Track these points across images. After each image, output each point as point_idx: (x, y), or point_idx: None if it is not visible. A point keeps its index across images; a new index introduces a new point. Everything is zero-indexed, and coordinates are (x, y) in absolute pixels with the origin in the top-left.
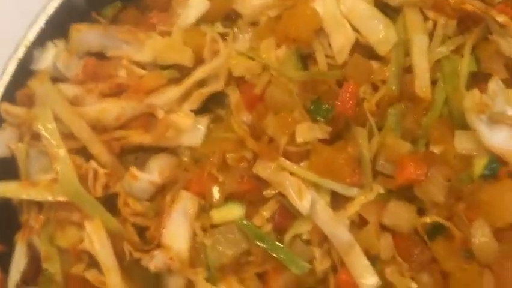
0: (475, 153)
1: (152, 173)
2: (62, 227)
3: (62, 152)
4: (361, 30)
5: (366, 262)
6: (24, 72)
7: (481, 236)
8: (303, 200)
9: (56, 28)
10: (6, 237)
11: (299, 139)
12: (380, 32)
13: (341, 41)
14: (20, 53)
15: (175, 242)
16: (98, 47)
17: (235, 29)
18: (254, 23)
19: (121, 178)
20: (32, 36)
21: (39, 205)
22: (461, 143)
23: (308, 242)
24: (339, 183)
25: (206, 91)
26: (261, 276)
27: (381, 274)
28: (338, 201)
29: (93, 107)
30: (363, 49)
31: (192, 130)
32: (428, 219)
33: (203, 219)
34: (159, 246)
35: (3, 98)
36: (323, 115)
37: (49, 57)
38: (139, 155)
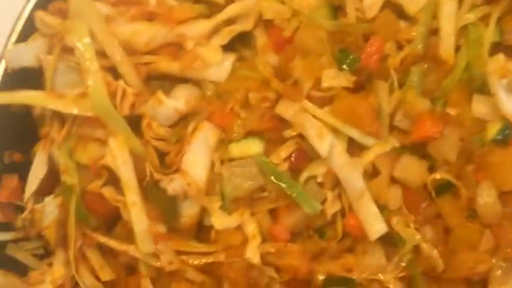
0: (489, 118)
1: (178, 100)
2: (84, 142)
3: (94, 67)
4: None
5: (375, 209)
6: None
7: (486, 197)
8: (323, 142)
9: None
10: (24, 148)
11: (324, 84)
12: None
13: None
14: None
15: (194, 169)
16: None
17: None
18: None
19: (147, 101)
20: None
21: (62, 119)
22: (478, 107)
23: (321, 185)
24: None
25: (235, 28)
26: (272, 213)
27: (387, 223)
28: (353, 148)
29: (125, 27)
30: (392, 6)
31: (218, 65)
32: (437, 176)
33: (222, 151)
34: (177, 171)
35: (35, 7)
36: (349, 64)
37: None
38: (165, 83)
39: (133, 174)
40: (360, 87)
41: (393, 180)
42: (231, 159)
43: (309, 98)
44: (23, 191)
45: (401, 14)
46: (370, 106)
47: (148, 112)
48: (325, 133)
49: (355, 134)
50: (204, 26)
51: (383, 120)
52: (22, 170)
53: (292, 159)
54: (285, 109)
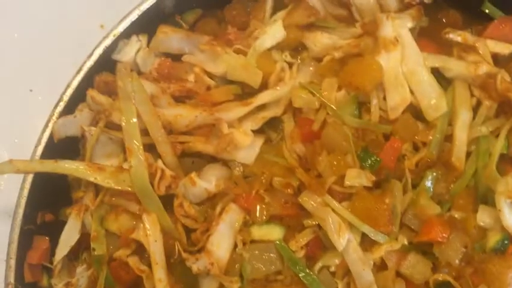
0: (492, 228)
1: (209, 182)
2: (116, 212)
3: (138, 147)
4: (415, 92)
5: None
6: (106, 60)
7: None
8: (341, 237)
9: (144, 25)
10: (55, 209)
11: (348, 182)
12: (432, 98)
13: (397, 99)
14: (108, 41)
15: (218, 249)
16: (176, 50)
17: (299, 61)
18: (317, 59)
19: (180, 180)
20: (122, 27)
21: (96, 186)
22: (483, 217)
23: (333, 274)
24: (373, 228)
25: (267, 115)
26: None
27: None
28: (365, 243)
29: (170, 110)
30: (411, 108)
31: (247, 148)
32: (440, 277)
33: (245, 233)
34: (202, 249)
35: (83, 80)
36: (371, 165)
37: (132, 51)
38: (196, 160)
39: (162, 251)
40: (377, 184)
41: (398, 275)
42: (252, 241)
43: (330, 191)
44: (52, 252)
45: (419, 115)
46: (387, 208)
47: (180, 191)
48: (343, 229)
49: (370, 231)
50: (240, 111)
51: (395, 219)
52: (52, 230)
53: (309, 247)
54: (308, 200)
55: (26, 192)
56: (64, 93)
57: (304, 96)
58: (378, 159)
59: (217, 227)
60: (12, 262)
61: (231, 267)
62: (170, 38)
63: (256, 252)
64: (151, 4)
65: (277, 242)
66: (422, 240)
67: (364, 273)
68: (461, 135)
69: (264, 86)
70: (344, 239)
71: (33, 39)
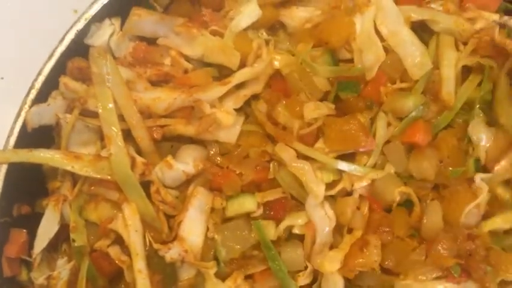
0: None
1: (186, 164)
2: (95, 201)
3: (117, 133)
4: (398, 52)
5: None
6: (78, 45)
7: (432, 216)
8: (319, 187)
9: (117, 8)
10: (32, 201)
11: (308, 116)
12: (416, 57)
13: (371, 58)
14: (80, 25)
15: (190, 235)
16: (151, 33)
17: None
18: (292, 34)
19: (155, 164)
20: (94, 10)
21: (73, 176)
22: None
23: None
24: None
25: (247, 93)
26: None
27: None
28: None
29: (147, 94)
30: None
31: (229, 127)
32: (403, 189)
33: (216, 214)
34: (176, 238)
35: (55, 67)
36: (353, 89)
37: (105, 35)
38: (175, 144)
39: (142, 242)
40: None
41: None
42: (226, 220)
43: (301, 138)
44: (30, 245)
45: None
46: (360, 122)
47: (156, 177)
48: (320, 178)
49: (348, 167)
50: (218, 91)
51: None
52: (29, 222)
53: (274, 209)
54: (282, 152)
55: (0, 184)
56: (35, 80)
57: (285, 59)
58: (357, 82)
59: (186, 212)
60: None
61: (206, 251)
62: (144, 20)
63: (227, 232)
64: None
65: (255, 222)
66: (404, 142)
67: (325, 233)
68: (448, 72)
69: (241, 66)
70: (321, 188)
71: (3, 24)
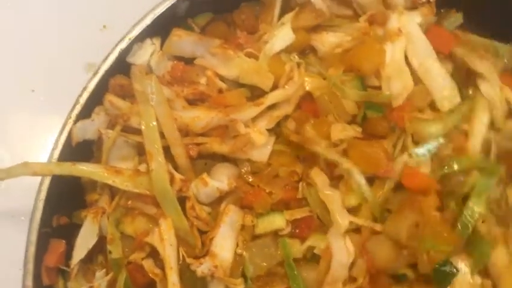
0: None
1: (220, 181)
2: (132, 215)
3: (158, 150)
4: (427, 84)
5: None
6: (121, 63)
7: None
8: (344, 219)
9: (157, 28)
10: (69, 211)
11: (334, 137)
12: (444, 90)
13: (399, 87)
14: (124, 44)
15: (221, 251)
16: (189, 53)
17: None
18: (323, 58)
19: (191, 181)
20: (137, 31)
21: (112, 189)
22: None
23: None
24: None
25: (279, 114)
26: None
27: None
28: None
29: (187, 113)
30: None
31: (261, 146)
32: None
33: (245, 232)
34: (207, 253)
35: (98, 84)
36: (378, 110)
37: (146, 54)
38: (208, 161)
39: (176, 256)
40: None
41: None
42: (255, 237)
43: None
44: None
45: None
46: (384, 148)
47: (191, 193)
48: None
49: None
50: (253, 111)
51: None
52: (67, 233)
53: (300, 227)
54: (316, 177)
55: (43, 194)
56: (80, 95)
57: (316, 81)
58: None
59: (218, 229)
60: (30, 266)
61: (235, 268)
62: (183, 41)
63: (255, 249)
64: (166, 8)
65: (282, 240)
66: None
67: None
68: (479, 128)
69: (273, 88)
70: (345, 221)
71: (35, 39)
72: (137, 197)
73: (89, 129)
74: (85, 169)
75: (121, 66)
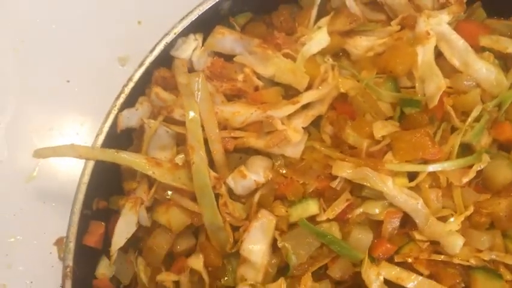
0: None
1: (257, 173)
2: (167, 205)
3: (200, 145)
4: (476, 79)
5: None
6: (165, 56)
7: None
8: (387, 183)
9: (201, 24)
10: (106, 196)
11: (377, 135)
12: (491, 79)
13: (432, 88)
14: (169, 38)
15: (252, 255)
16: (229, 50)
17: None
18: (355, 61)
19: (225, 179)
20: (181, 27)
21: (150, 179)
22: None
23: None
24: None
25: (314, 113)
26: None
27: None
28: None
29: (227, 107)
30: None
31: (296, 143)
32: None
33: (280, 221)
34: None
35: (142, 75)
36: (415, 105)
37: (189, 49)
38: (242, 155)
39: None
40: None
41: None
42: (290, 226)
43: (370, 155)
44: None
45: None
46: (427, 132)
47: (224, 190)
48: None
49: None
50: (289, 109)
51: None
52: (106, 217)
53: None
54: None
55: (86, 178)
56: (125, 85)
57: (351, 82)
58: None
59: (248, 233)
60: (72, 245)
61: (267, 274)
62: (225, 38)
63: (293, 240)
64: (210, 6)
65: (302, 220)
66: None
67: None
68: None
69: (307, 88)
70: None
71: (71, 31)
72: (174, 189)
73: (133, 117)
74: (127, 158)
75: (165, 59)
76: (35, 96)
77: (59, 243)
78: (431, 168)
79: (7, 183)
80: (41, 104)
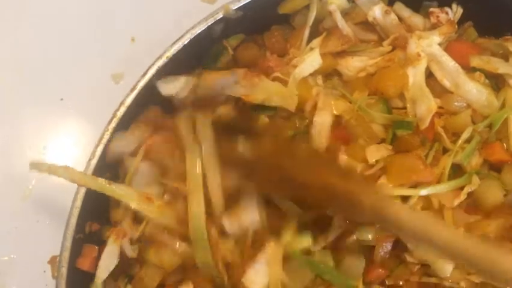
0: None
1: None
2: (158, 245)
3: (199, 195)
4: (466, 100)
5: None
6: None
7: None
8: None
9: (194, 47)
10: (99, 219)
11: (372, 159)
12: (482, 100)
13: (423, 109)
14: (161, 62)
15: (253, 285)
16: (218, 90)
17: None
18: (347, 82)
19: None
20: (173, 50)
21: (136, 213)
22: None
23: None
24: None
25: None
26: None
27: None
28: None
29: None
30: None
31: None
32: None
33: None
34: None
35: (134, 100)
36: (407, 127)
37: (177, 88)
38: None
39: None
40: None
41: None
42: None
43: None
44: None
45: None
46: (419, 156)
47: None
48: None
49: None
50: None
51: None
52: (98, 239)
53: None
54: None
55: (79, 203)
56: (117, 110)
57: (343, 104)
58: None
59: (253, 264)
60: (64, 270)
61: None
62: (212, 82)
63: (290, 273)
64: (202, 29)
65: (296, 253)
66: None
67: None
68: None
69: (300, 110)
70: None
71: (65, 49)
72: (164, 227)
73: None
74: (117, 191)
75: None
76: (30, 114)
77: (53, 261)
78: (424, 192)
79: (1, 202)
80: (35, 122)
